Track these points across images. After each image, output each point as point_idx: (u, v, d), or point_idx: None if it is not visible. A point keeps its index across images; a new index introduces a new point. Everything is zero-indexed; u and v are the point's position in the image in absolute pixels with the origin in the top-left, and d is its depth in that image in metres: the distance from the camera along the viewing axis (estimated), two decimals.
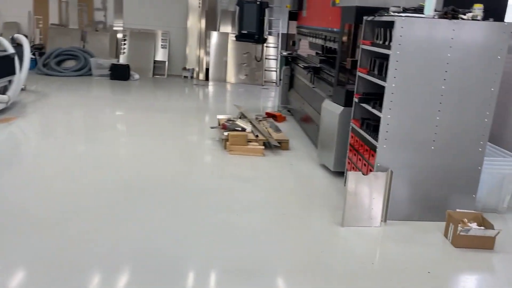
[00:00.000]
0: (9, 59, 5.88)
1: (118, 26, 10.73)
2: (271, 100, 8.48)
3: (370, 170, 3.40)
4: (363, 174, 3.33)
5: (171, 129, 5.81)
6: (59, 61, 9.90)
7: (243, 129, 5.09)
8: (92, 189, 3.66)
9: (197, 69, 10.75)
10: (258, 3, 6.65)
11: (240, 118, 5.98)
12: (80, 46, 10.26)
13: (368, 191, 3.24)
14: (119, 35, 10.67)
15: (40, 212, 3.18)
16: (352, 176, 3.22)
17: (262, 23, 6.73)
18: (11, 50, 6.02)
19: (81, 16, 10.58)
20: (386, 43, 3.36)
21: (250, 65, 10.45)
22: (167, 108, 7.15)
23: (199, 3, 10.67)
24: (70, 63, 9.96)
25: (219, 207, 3.46)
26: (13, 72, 5.97)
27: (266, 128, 5.52)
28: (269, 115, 6.60)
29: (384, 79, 3.29)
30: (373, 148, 3.41)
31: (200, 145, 5.29)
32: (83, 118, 6.28)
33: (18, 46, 6.75)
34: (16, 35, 6.89)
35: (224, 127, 5.02)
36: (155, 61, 10.73)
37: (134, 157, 4.59)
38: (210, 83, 10.29)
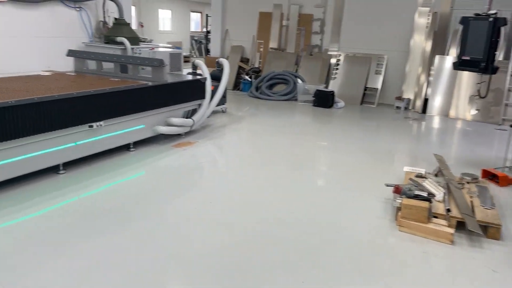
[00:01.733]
0: (199, 83, 5.93)
1: (333, 50, 10.16)
2: (501, 149, 6.25)
3: None
4: None
5: (344, 174, 4.71)
6: (271, 85, 9.99)
7: (429, 197, 3.57)
8: (271, 231, 2.99)
9: (413, 98, 9.16)
10: (491, 19, 4.85)
11: (436, 175, 4.39)
12: (292, 71, 10.14)
13: None
14: (333, 60, 10.09)
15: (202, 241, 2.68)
16: None
17: (494, 46, 4.87)
18: (206, 74, 6.09)
19: (298, 40, 10.47)
20: None
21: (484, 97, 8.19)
22: (357, 146, 6.04)
23: (427, 22, 9.07)
24: (280, 87, 9.94)
25: None
26: (202, 97, 6.01)
27: (470, 197, 3.81)
28: (486, 174, 4.69)
29: None
30: None
31: (363, 206, 3.97)
32: (265, 146, 5.78)
33: (221, 70, 6.89)
34: (220, 59, 7.04)
35: (397, 191, 3.62)
36: (366, 88, 9.68)
37: (284, 195, 3.75)
38: (428, 117, 8.56)
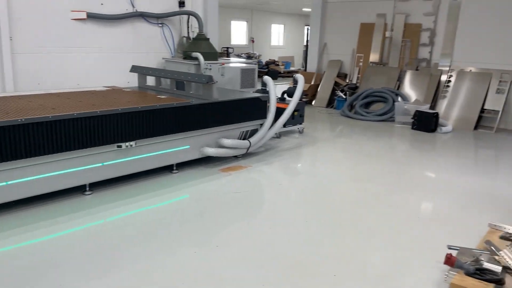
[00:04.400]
0: (259, 102, 5.40)
1: (444, 65, 8.72)
2: None
3: None
4: None
5: (403, 227, 3.69)
6: (367, 103, 8.98)
7: (500, 277, 2.45)
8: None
9: None
10: None
11: None
12: (392, 88, 8.97)
13: None
14: (444, 76, 8.65)
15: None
16: None
17: None
18: (270, 92, 5.54)
19: (403, 53, 9.25)
20: None
21: None
22: (461, 185, 4.84)
23: None
24: (377, 106, 8.86)
25: None
26: (263, 116, 5.47)
27: None
28: None
29: None
30: None
31: (414, 272, 2.95)
32: (336, 179, 4.97)
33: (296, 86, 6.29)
34: (296, 75, 6.44)
35: (449, 261, 2.55)
36: (483, 110, 8.05)
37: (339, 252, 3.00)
38: None
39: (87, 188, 4.06)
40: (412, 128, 7.74)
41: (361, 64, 9.87)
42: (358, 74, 9.88)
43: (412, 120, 7.78)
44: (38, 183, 3.61)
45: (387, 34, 9.46)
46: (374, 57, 9.67)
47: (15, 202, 3.61)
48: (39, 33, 5.87)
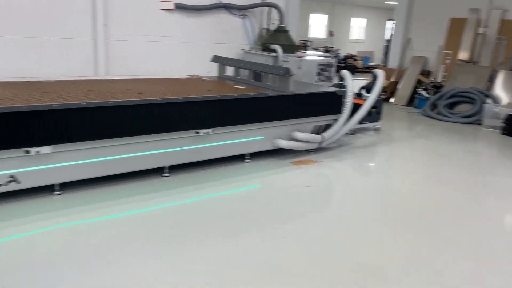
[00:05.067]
0: (335, 97, 5.31)
1: None
2: None
3: None
4: None
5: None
6: (452, 104, 8.44)
7: None
8: None
9: None
10: None
11: None
12: (482, 88, 8.34)
13: None
14: None
15: None
16: None
17: None
18: (348, 87, 5.42)
19: (498, 51, 8.55)
20: None
21: None
22: None
23: None
24: (462, 108, 8.30)
25: None
26: (338, 111, 5.37)
27: None
28: None
29: None
30: None
31: None
32: (411, 181, 4.80)
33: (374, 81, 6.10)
34: (375, 70, 6.23)
35: None
36: None
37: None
38: None
39: (166, 171, 4.28)
40: (502, 133, 7.15)
41: (447, 61, 9.28)
42: (444, 72, 9.31)
43: (503, 124, 7.19)
44: (122, 162, 3.88)
45: (480, 30, 8.79)
46: (463, 54, 9.05)
47: (100, 178, 3.90)
48: (131, 22, 6.26)
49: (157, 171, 4.26)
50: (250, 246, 3.06)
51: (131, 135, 3.81)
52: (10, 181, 3.31)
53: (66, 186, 3.71)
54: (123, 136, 3.77)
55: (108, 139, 3.70)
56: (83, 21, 5.89)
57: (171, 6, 6.52)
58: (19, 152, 3.28)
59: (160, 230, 3.22)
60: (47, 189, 3.62)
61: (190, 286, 2.56)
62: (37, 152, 3.31)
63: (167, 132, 4.06)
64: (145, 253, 2.88)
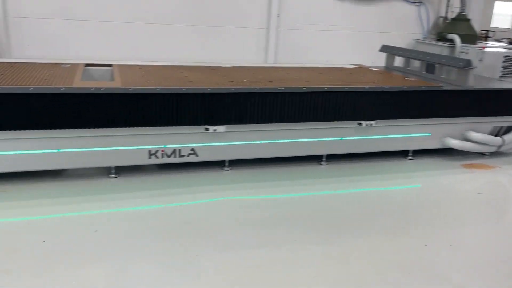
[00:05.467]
0: None
1: None
2: None
3: None
4: None
5: None
6: None
7: None
8: None
9: None
10: None
11: None
12: None
13: None
14: None
15: None
16: None
17: None
18: None
19: None
20: None
21: None
22: None
23: None
24: None
25: None
26: None
27: None
28: None
29: None
30: None
31: None
32: None
33: None
34: None
35: None
36: None
37: None
38: None
39: (324, 159, 4.33)
40: None
41: None
42: None
43: None
44: (285, 146, 4.06)
45: None
46: None
47: (264, 160, 4.15)
48: (301, 11, 6.44)
49: (316, 159, 4.33)
50: (407, 248, 2.90)
51: (295, 121, 3.95)
52: (191, 154, 3.77)
53: (235, 164, 4.05)
54: (288, 122, 3.92)
55: (275, 124, 3.90)
56: (259, 10, 6.28)
57: None
58: (200, 129, 3.70)
59: (316, 216, 3.28)
60: (219, 164, 4.02)
61: (354, 276, 2.56)
62: (215, 130, 3.68)
63: (329, 121, 4.08)
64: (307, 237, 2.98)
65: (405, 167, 4.45)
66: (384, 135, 4.34)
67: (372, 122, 4.20)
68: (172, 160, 3.75)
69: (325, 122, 4.07)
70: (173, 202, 3.41)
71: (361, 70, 5.31)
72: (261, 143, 3.97)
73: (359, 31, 6.78)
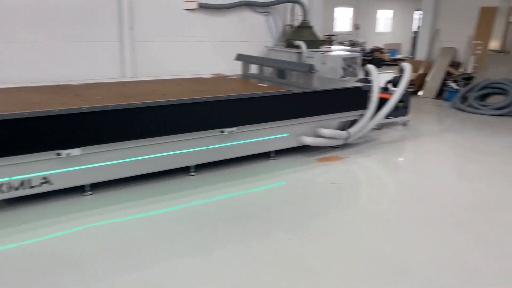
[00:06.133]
0: (360, 92, 5.24)
1: None
2: None
3: None
4: None
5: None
6: (483, 96, 8.18)
7: None
8: None
9: None
10: None
11: None
12: None
13: None
14: None
15: None
16: None
17: None
18: (374, 82, 5.34)
19: None
20: None
21: None
22: None
23: None
24: (495, 99, 8.03)
25: None
26: (363, 107, 5.30)
27: None
28: None
29: None
30: None
31: None
32: (445, 177, 4.67)
33: (400, 76, 5.98)
34: (403, 64, 6.10)
35: None
36: None
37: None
38: None
39: (192, 170, 4.33)
40: None
41: (478, 52, 9.00)
42: (474, 63, 9.02)
43: None
44: (150, 162, 3.95)
45: None
46: (494, 44, 8.75)
47: (130, 178, 3.99)
48: (155, 23, 6.36)
49: (184, 170, 4.31)
50: (277, 244, 3.06)
51: (157, 136, 3.88)
52: (43, 183, 3.43)
53: (97, 187, 3.81)
54: (149, 137, 3.84)
55: (135, 140, 3.77)
56: (110, 24, 6.02)
57: (195, 6, 6.58)
58: (50, 155, 3.39)
59: (187, 229, 3.26)
60: (78, 190, 3.73)
61: (220, 285, 2.59)
62: (68, 154, 3.41)
63: (192, 132, 4.11)
64: (176, 251, 2.93)
65: (269, 167, 4.70)
66: (246, 139, 4.53)
67: (234, 128, 4.34)
68: (22, 192, 3.37)
69: (188, 134, 4.08)
70: (31, 238, 3.07)
71: (219, 79, 5.46)
72: (123, 161, 3.81)
73: (217, 41, 6.96)
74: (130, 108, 3.67)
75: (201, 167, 4.40)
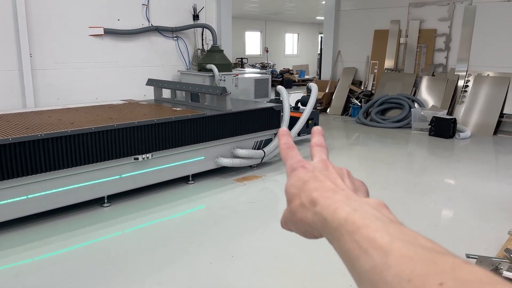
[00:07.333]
0: (272, 112, 5.44)
1: (461, 69, 8.62)
2: None
3: None
4: None
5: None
6: (383, 110, 8.93)
7: None
8: None
9: None
10: None
11: None
12: (408, 94, 8.90)
13: None
14: (461, 82, 8.55)
15: None
16: None
17: None
18: (284, 102, 5.57)
19: (419, 59, 9.19)
20: None
21: None
22: (477, 191, 4.77)
23: None
24: (394, 113, 8.80)
25: None
26: (276, 126, 5.50)
27: None
28: None
29: None
30: None
31: None
32: None
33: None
34: (309, 84, 6.45)
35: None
36: (502, 115, 7.91)
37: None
38: None
39: (106, 200, 4.13)
40: (430, 135, 7.65)
41: (375, 71, 9.83)
42: (373, 81, 9.84)
43: (429, 126, 7.69)
44: (58, 196, 3.71)
45: (402, 40, 9.42)
46: (389, 63, 9.63)
47: (36, 215, 3.70)
48: (58, 50, 6.05)
49: (98, 202, 4.11)
50: (199, 268, 3.02)
51: (65, 168, 3.66)
52: None
53: (4, 225, 3.47)
54: (56, 169, 3.60)
55: (40, 174, 3.52)
56: (7, 51, 5.61)
57: (100, 32, 6.39)
58: None
59: (102, 265, 3.09)
60: None
61: None
62: None
63: (103, 161, 3.94)
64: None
65: (187, 192, 4.65)
66: (162, 165, 4.45)
67: (149, 155, 4.25)
68: None
69: (99, 163, 3.91)
70: None
71: (130, 105, 5.32)
72: (27, 198, 3.52)
73: (126, 66, 6.80)
74: (32, 140, 3.42)
75: (115, 197, 4.22)
